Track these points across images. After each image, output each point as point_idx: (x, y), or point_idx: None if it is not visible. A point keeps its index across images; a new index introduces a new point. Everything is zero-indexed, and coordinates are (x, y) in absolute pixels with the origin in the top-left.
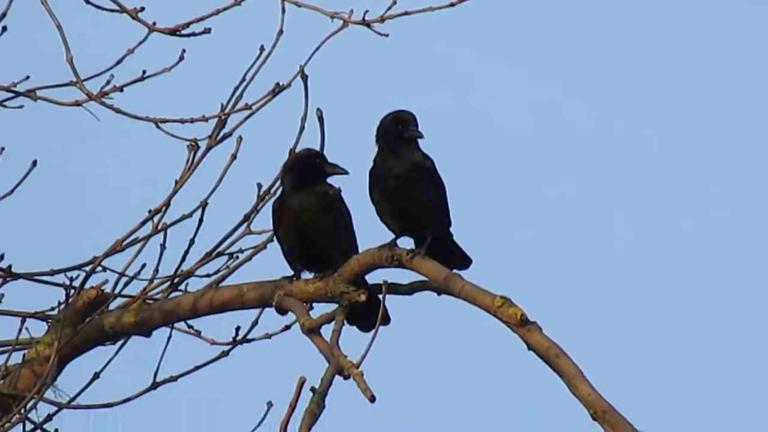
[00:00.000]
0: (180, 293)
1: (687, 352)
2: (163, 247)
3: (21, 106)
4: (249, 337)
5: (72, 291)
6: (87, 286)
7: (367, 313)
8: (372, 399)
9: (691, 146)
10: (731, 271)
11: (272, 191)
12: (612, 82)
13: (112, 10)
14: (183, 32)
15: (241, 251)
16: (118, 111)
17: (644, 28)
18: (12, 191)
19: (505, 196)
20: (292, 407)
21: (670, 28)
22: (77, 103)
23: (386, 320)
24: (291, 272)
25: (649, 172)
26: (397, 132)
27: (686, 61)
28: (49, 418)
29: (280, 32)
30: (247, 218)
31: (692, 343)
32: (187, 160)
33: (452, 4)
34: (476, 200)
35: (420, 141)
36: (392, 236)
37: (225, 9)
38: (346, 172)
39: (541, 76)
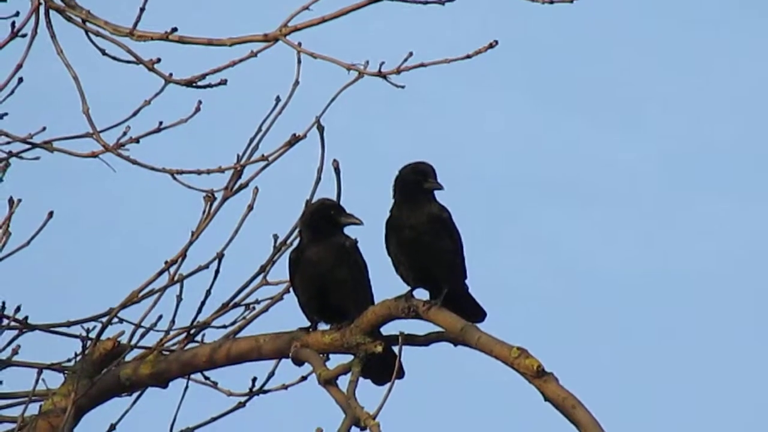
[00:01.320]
0: (196, 344)
1: (703, 393)
2: (179, 298)
3: (37, 158)
4: (265, 388)
5: (88, 342)
6: (103, 337)
7: (382, 366)
8: None
9: (682, 170)
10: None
11: (288, 242)
12: (600, 106)
13: (129, 62)
14: (199, 83)
15: (258, 302)
16: (134, 162)
17: (634, 51)
18: (29, 242)
19: (497, 231)
20: None
21: (661, 51)
22: (93, 155)
23: (401, 373)
24: (307, 323)
25: (641, 198)
26: (417, 183)
27: (676, 84)
28: None
29: (296, 83)
30: (264, 269)
31: (708, 382)
32: (204, 211)
33: (468, 56)
34: (471, 237)
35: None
36: (408, 288)
37: (241, 60)
38: (360, 223)
39: (532, 104)
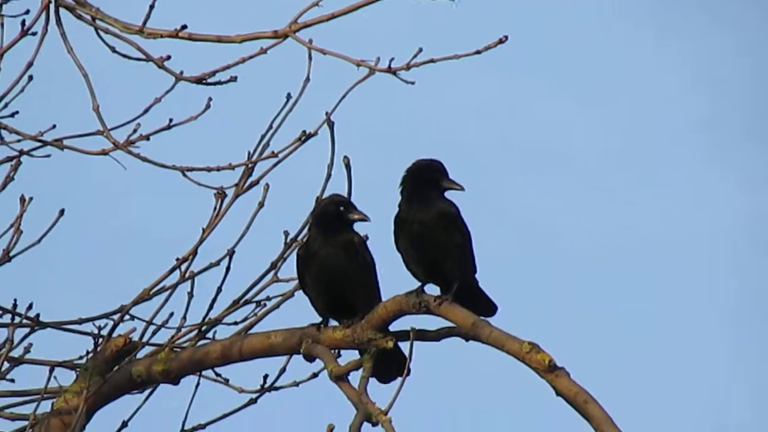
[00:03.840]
0: (208, 341)
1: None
2: (190, 295)
3: (48, 156)
4: (277, 384)
5: (100, 340)
6: (115, 334)
7: (390, 364)
8: None
9: (647, 137)
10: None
11: (299, 239)
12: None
13: (139, 59)
14: (209, 81)
15: (269, 299)
16: (144, 160)
17: (603, 28)
18: (40, 240)
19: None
20: None
21: (628, 21)
22: (104, 152)
23: (408, 372)
24: (319, 319)
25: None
26: (433, 180)
27: (641, 54)
28: None
29: (307, 80)
30: (275, 266)
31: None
32: (214, 208)
33: (478, 52)
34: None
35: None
36: (419, 283)
37: (251, 57)
38: (367, 219)
39: (513, 79)
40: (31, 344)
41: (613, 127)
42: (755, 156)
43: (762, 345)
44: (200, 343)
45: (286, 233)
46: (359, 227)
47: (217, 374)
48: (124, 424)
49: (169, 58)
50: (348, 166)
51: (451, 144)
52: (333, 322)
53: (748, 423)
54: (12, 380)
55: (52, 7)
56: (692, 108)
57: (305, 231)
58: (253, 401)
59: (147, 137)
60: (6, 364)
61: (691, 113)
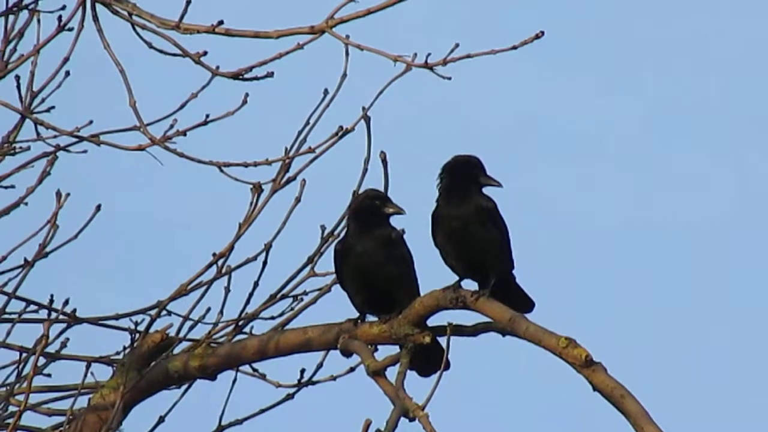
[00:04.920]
0: (245, 336)
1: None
2: (227, 290)
3: (85, 151)
4: (314, 379)
5: (137, 335)
6: (152, 330)
7: (427, 358)
8: None
9: (670, 124)
10: None
11: (336, 233)
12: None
13: (175, 55)
14: (246, 76)
15: (306, 294)
16: (181, 155)
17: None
18: (77, 236)
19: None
20: None
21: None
22: (141, 148)
23: (447, 366)
24: (356, 315)
25: (630, 151)
26: (471, 176)
27: (665, 38)
28: None
29: (344, 76)
30: (311, 261)
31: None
32: (251, 204)
33: (515, 47)
34: None
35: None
36: (456, 278)
37: (288, 53)
38: (402, 212)
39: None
40: (68, 339)
41: (645, 113)
42: None
43: None
44: (237, 338)
45: (323, 228)
46: (397, 223)
47: (254, 369)
48: (161, 420)
49: (205, 53)
50: (385, 162)
51: (485, 138)
52: (370, 318)
53: None
54: (49, 375)
55: (88, 2)
56: (715, 89)
57: (342, 226)
58: (290, 396)
59: (184, 133)
60: (42, 360)
61: (713, 95)
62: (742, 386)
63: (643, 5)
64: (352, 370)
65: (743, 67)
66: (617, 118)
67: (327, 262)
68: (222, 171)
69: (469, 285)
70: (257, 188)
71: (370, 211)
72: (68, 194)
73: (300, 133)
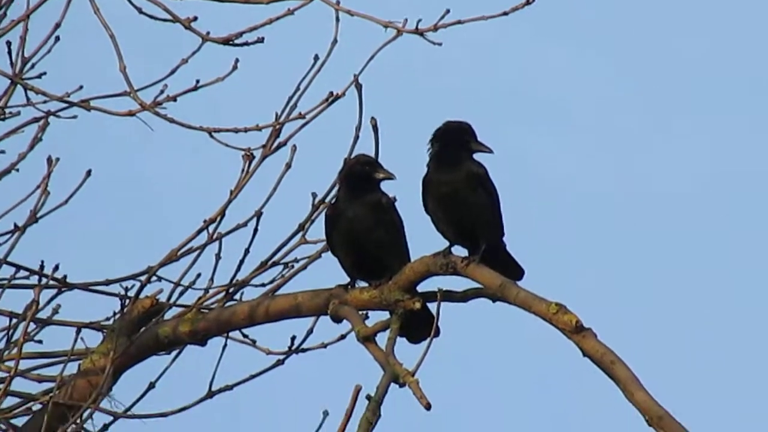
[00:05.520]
0: (235, 303)
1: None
2: (218, 256)
3: (75, 116)
4: (304, 346)
5: (127, 301)
6: (142, 296)
7: (417, 324)
8: (428, 407)
9: (656, 89)
10: None
11: (327, 200)
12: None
13: (165, 20)
14: (236, 42)
15: (297, 260)
16: (171, 121)
17: None
18: (66, 201)
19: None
20: (348, 416)
21: None
22: (131, 113)
23: (437, 333)
24: (346, 281)
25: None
26: (462, 142)
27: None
28: (105, 428)
29: (334, 41)
30: (302, 227)
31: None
32: (242, 170)
33: (505, 13)
34: None
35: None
36: (446, 244)
37: (278, 18)
38: (393, 177)
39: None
40: (59, 305)
41: (634, 80)
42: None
43: None
44: (228, 304)
45: (314, 195)
46: (389, 189)
47: (245, 335)
48: (152, 386)
49: (195, 19)
50: (375, 128)
51: (475, 104)
52: (361, 284)
53: None
54: (39, 341)
55: None
56: (696, 51)
57: (333, 192)
58: (280, 362)
59: (174, 98)
60: (33, 326)
61: (694, 57)
62: (731, 350)
63: None
64: (342, 336)
65: (731, 28)
66: (604, 84)
67: (318, 229)
68: (212, 137)
69: (460, 251)
70: (248, 155)
71: (361, 177)
72: (58, 159)
73: (290, 98)
